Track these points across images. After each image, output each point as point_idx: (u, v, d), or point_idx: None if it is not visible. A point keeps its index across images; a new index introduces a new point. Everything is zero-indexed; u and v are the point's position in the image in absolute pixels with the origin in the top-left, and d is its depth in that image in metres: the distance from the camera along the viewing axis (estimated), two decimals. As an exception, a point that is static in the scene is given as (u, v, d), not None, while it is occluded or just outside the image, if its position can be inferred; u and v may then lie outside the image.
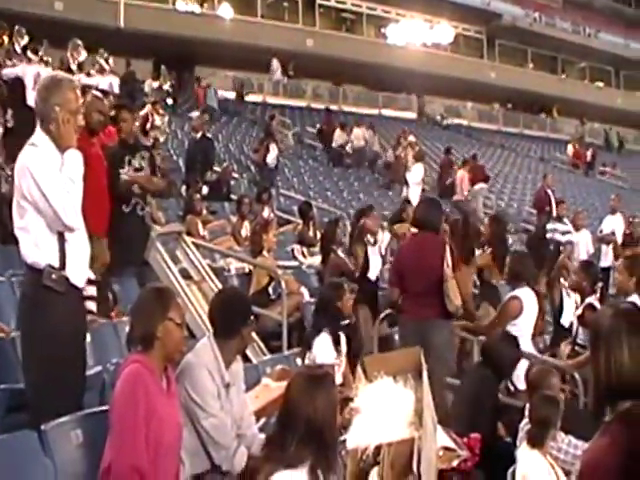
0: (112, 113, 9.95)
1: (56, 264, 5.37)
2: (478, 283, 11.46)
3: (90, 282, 7.15)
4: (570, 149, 41.30)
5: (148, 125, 19.54)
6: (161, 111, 21.56)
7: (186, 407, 5.33)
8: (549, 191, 22.94)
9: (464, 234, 10.99)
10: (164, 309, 4.95)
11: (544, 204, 22.37)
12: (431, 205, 9.33)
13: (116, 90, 19.33)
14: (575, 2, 54.85)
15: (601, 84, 57.31)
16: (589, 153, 40.65)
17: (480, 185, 25.97)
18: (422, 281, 8.47)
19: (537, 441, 6.04)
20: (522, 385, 7.82)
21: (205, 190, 17.54)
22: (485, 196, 26.91)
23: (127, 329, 5.06)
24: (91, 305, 7.50)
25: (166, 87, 29.30)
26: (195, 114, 25.24)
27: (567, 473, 6.12)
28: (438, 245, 8.69)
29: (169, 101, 29.18)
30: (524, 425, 6.39)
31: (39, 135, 5.44)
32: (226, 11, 41.52)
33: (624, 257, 9.76)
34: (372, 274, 11.11)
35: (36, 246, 5.34)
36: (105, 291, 8.37)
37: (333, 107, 39.08)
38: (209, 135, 20.10)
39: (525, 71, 52.75)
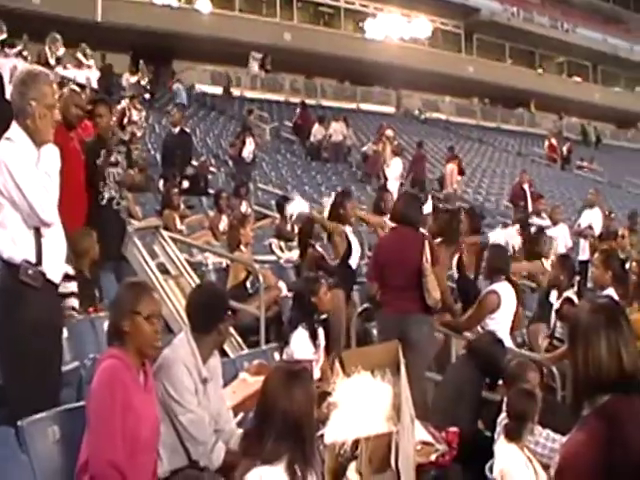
0: (89, 107, 9.91)
1: (32, 259, 5.34)
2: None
3: (70, 278, 7.15)
4: (547, 143, 41.44)
5: (125, 120, 19.48)
6: (138, 106, 21.48)
7: (163, 402, 5.31)
8: (525, 187, 23.08)
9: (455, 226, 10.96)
10: (131, 303, 4.92)
11: (519, 199, 22.53)
12: (411, 200, 9.32)
13: (94, 84, 19.28)
14: (553, -3, 55.18)
15: (579, 79, 57.56)
16: (565, 148, 40.77)
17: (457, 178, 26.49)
18: (401, 275, 8.45)
19: (514, 435, 6.06)
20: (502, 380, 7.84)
21: (186, 184, 17.51)
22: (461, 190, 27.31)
23: (106, 324, 5.05)
24: (73, 302, 7.48)
25: (144, 82, 29.13)
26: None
27: (545, 467, 6.13)
28: (417, 240, 8.65)
29: (146, 96, 29.07)
30: (502, 419, 6.39)
31: (15, 130, 5.40)
32: (204, 5, 41.45)
33: (600, 251, 9.78)
34: (353, 261, 11.02)
35: (12, 241, 5.31)
36: (93, 287, 8.33)
37: (311, 101, 39.11)
38: (187, 129, 20.04)
39: (503, 66, 52.94)
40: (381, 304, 8.82)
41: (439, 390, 8.11)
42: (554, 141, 41.25)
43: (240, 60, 40.13)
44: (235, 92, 39.45)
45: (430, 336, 8.73)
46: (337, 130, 29.56)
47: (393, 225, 9.32)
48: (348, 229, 10.92)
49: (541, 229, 14.89)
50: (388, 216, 10.93)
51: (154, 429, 5.01)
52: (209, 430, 5.50)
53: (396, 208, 9.25)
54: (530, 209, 21.26)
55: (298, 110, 32.50)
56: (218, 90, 38.92)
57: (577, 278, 10.22)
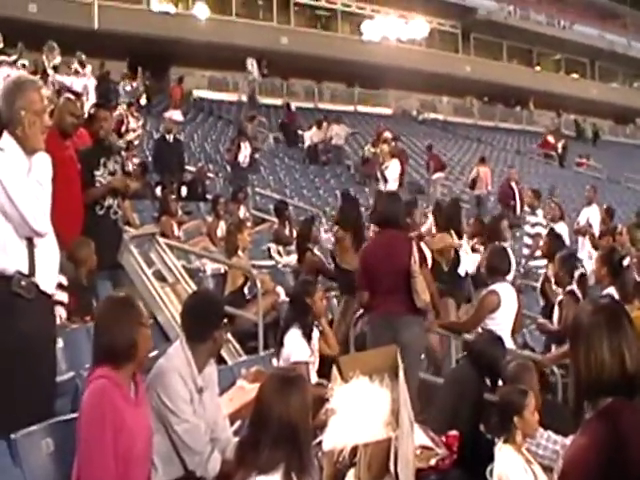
0: (91, 111, 9.92)
1: (25, 270, 5.28)
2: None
3: (61, 287, 7.11)
4: (550, 140, 41.42)
5: (123, 128, 19.51)
6: (135, 113, 21.53)
7: (158, 412, 5.28)
8: (513, 184, 23.08)
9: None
10: (138, 316, 4.90)
11: (509, 198, 22.53)
12: (392, 200, 9.22)
13: (91, 92, 19.28)
14: (549, -6, 55.20)
15: (576, 76, 57.59)
16: (560, 144, 40.77)
17: (438, 174, 27.05)
18: (390, 278, 8.35)
19: (504, 433, 5.99)
20: (501, 381, 7.80)
21: (184, 191, 17.52)
22: (442, 184, 28.09)
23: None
24: (60, 311, 7.43)
25: (140, 88, 29.20)
26: (169, 113, 25.19)
27: (547, 469, 6.09)
28: (404, 241, 8.61)
29: (142, 101, 29.11)
30: (498, 420, 6.36)
31: (6, 139, 5.35)
32: (201, 11, 41.48)
33: (601, 248, 9.78)
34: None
35: (4, 252, 5.25)
36: (89, 295, 8.29)
37: (309, 104, 39.21)
38: (179, 137, 20.08)
39: (500, 64, 52.91)
40: (371, 308, 8.74)
41: (440, 393, 8.07)
42: (551, 138, 41.29)
43: (238, 65, 40.13)
44: (232, 97, 39.49)
45: (421, 337, 8.66)
46: (339, 133, 29.63)
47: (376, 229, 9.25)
48: None
49: None
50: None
51: (147, 441, 4.97)
52: (205, 439, 5.45)
53: (378, 209, 9.16)
54: (519, 208, 21.35)
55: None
56: (216, 95, 38.98)
57: (579, 272, 10.11)
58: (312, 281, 8.48)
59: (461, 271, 10.96)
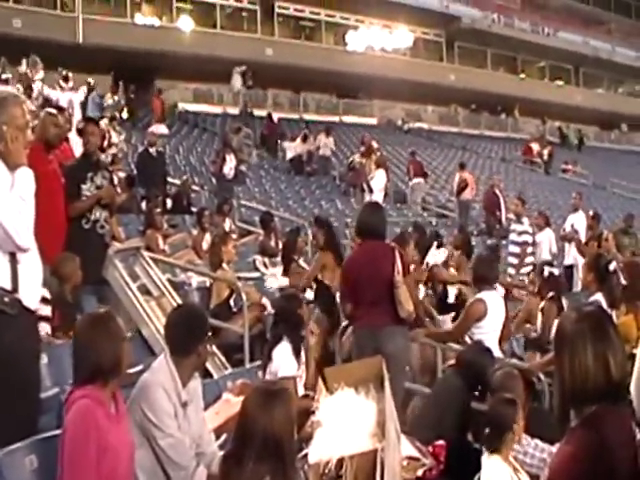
0: (80, 126, 9.94)
1: (8, 286, 5.25)
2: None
3: (45, 301, 7.07)
4: (534, 147, 41.55)
5: (105, 142, 19.48)
6: (117, 128, 21.51)
7: (142, 427, 5.25)
8: (497, 192, 23.08)
9: None
10: (120, 332, 4.90)
11: (494, 207, 22.49)
12: (374, 211, 9.18)
13: (77, 107, 19.28)
14: (533, 2, 55.33)
15: (561, 82, 57.75)
16: (546, 151, 40.90)
17: (418, 180, 27.10)
18: (374, 290, 8.29)
19: (496, 445, 5.97)
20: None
21: (169, 204, 17.50)
22: (425, 191, 28.34)
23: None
24: (45, 326, 7.40)
25: (122, 101, 29.16)
26: (154, 127, 25.19)
27: (534, 477, 6.08)
28: (387, 252, 8.49)
29: (124, 115, 29.10)
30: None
31: (-13, 154, 5.34)
32: (185, 23, 41.49)
33: (588, 254, 9.81)
34: None
35: (-14, 269, 5.24)
36: (74, 311, 8.25)
37: (294, 115, 39.25)
38: (162, 150, 20.09)
39: (485, 72, 53.04)
40: (355, 319, 8.71)
41: (426, 403, 8.06)
42: (535, 145, 41.42)
43: (222, 77, 40.17)
44: (217, 109, 39.54)
45: (405, 347, 8.62)
46: (325, 144, 29.75)
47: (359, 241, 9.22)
48: None
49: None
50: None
51: (130, 458, 4.96)
52: (190, 454, 5.43)
53: (360, 221, 9.12)
54: (504, 216, 21.34)
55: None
56: (201, 108, 39.02)
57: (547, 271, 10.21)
58: (296, 294, 8.45)
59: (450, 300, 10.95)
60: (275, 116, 34.60)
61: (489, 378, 7.47)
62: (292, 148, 30.51)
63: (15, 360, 5.25)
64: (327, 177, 29.40)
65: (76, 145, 12.11)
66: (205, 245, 13.70)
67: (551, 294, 9.81)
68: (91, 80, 25.05)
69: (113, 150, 19.40)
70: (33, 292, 5.45)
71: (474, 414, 7.67)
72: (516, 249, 15.81)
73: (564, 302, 10.03)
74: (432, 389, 8.41)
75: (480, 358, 7.82)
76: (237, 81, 40.52)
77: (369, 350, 7.72)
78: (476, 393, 7.83)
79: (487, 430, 6.16)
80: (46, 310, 7.37)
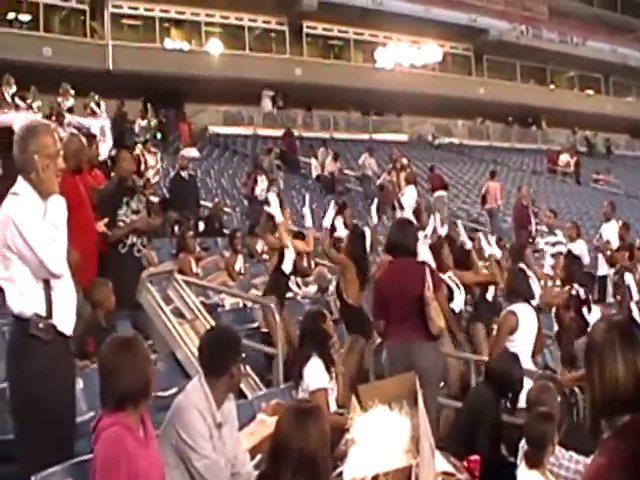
0: (112, 153, 10.04)
1: (43, 313, 5.35)
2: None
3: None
4: (564, 158, 41.40)
5: (142, 166, 19.58)
6: (153, 149, 21.60)
7: (177, 449, 5.30)
8: (525, 203, 22.93)
9: None
10: (147, 355, 5.00)
11: (525, 220, 22.31)
12: (404, 227, 9.18)
13: (108, 133, 19.41)
14: (561, 12, 55.05)
15: (591, 92, 57.41)
16: (572, 161, 40.73)
17: (440, 193, 26.74)
18: (404, 306, 8.29)
19: (534, 461, 5.97)
20: (522, 403, 7.78)
21: (202, 227, 17.56)
22: (447, 204, 27.84)
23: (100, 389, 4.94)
24: None
25: (153, 122, 29.30)
26: (185, 151, 25.31)
27: (569, 489, 6.07)
28: (417, 269, 8.50)
29: (158, 135, 29.25)
30: (523, 444, 6.33)
31: (21, 184, 5.43)
32: (215, 46, 41.62)
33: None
34: None
35: (22, 296, 5.33)
36: (109, 336, 8.29)
37: (325, 135, 39.32)
38: (192, 173, 20.18)
39: (514, 84, 52.80)
40: (387, 336, 8.70)
41: (458, 417, 8.06)
42: (565, 156, 41.29)
43: (252, 98, 40.34)
44: (247, 131, 39.72)
45: (437, 362, 8.60)
46: (369, 164, 30.17)
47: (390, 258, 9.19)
48: None
49: None
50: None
51: (161, 479, 5.01)
52: (225, 475, 5.48)
53: (390, 238, 9.11)
54: (534, 229, 21.18)
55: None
56: (231, 130, 39.12)
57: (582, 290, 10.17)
58: (320, 310, 8.48)
59: (455, 307, 10.83)
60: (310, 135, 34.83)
61: (518, 386, 7.48)
62: (317, 166, 30.77)
63: (51, 385, 5.33)
64: (360, 195, 29.40)
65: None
66: (238, 267, 13.78)
67: (571, 314, 9.79)
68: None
69: (150, 172, 19.50)
70: (67, 318, 5.54)
71: (508, 428, 7.68)
72: (551, 261, 15.75)
73: (593, 315, 9.98)
74: (464, 403, 8.40)
75: (509, 366, 7.83)
76: (267, 102, 40.70)
77: (401, 366, 7.72)
78: (507, 403, 7.85)
79: (525, 446, 6.17)
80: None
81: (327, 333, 8.00)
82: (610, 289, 15.42)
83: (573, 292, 9.81)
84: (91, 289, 8.19)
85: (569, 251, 12.22)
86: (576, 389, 8.53)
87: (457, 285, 10.61)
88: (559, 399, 7.27)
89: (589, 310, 9.96)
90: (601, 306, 9.27)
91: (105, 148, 17.16)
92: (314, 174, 31.21)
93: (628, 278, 9.24)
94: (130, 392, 4.77)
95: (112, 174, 10.93)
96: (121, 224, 9.32)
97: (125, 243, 9.35)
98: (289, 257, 10.94)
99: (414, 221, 12.45)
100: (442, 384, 9.17)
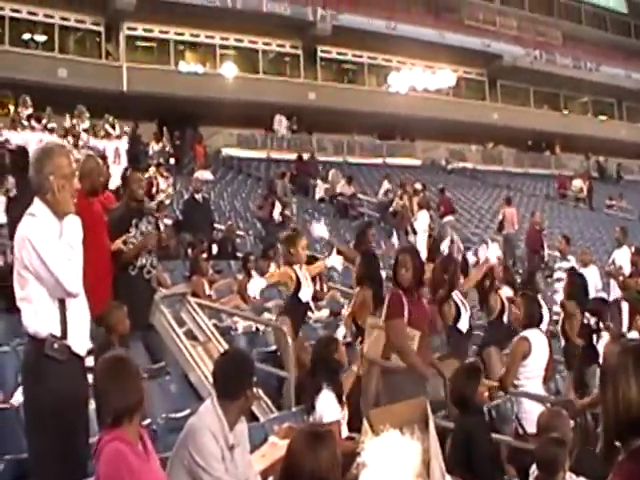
0: (125, 174, 10.06)
1: (58, 333, 5.40)
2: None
3: (89, 352, 7.17)
4: (577, 183, 41.40)
5: (154, 189, 19.64)
6: (165, 174, 21.67)
7: (190, 470, 5.33)
8: (538, 228, 22.96)
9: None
10: (138, 371, 5.05)
11: (537, 245, 22.31)
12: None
13: (123, 155, 19.48)
14: (574, 37, 55.10)
15: (604, 117, 57.39)
16: (585, 186, 40.74)
17: (448, 217, 26.89)
18: None
19: None
20: (531, 428, 7.76)
21: (215, 249, 17.58)
22: (453, 227, 27.83)
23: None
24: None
25: (167, 148, 29.37)
26: (199, 174, 25.36)
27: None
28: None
29: (171, 161, 29.33)
30: (534, 470, 6.33)
31: (37, 204, 5.49)
32: (229, 70, 41.77)
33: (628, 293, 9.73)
34: None
35: (37, 316, 5.37)
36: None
37: (338, 159, 39.39)
38: (206, 195, 20.24)
39: (528, 110, 52.82)
40: None
41: (452, 442, 7.99)
42: (578, 181, 41.34)
43: (266, 122, 40.46)
44: (261, 154, 39.85)
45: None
46: (388, 189, 30.27)
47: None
48: None
49: None
50: None
51: None
52: (237, 497, 5.50)
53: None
54: (547, 254, 21.18)
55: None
56: (245, 153, 39.22)
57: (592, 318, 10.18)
58: (333, 337, 8.51)
59: (462, 327, 10.78)
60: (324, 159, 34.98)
61: (466, 393, 7.47)
62: (322, 188, 31.19)
63: (65, 405, 5.37)
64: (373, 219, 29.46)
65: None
66: (250, 290, 13.80)
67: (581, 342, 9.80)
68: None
69: (161, 196, 19.55)
70: (82, 338, 5.59)
71: (516, 451, 7.67)
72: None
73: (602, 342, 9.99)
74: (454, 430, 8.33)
75: (460, 380, 7.77)
76: (281, 126, 40.80)
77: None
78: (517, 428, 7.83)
79: (536, 471, 6.17)
80: (90, 361, 7.47)
81: (339, 363, 8.04)
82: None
83: (584, 321, 9.78)
84: (105, 313, 8.20)
85: (572, 268, 12.16)
86: (588, 415, 8.51)
87: (464, 304, 10.64)
88: (572, 424, 7.25)
89: (598, 338, 9.97)
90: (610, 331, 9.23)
91: (118, 170, 17.20)
92: (317, 196, 31.35)
93: (624, 306, 9.25)
94: (124, 408, 4.84)
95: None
96: (130, 246, 9.32)
97: (135, 265, 9.34)
98: (307, 289, 10.84)
99: (425, 245, 12.54)
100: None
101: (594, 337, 9.97)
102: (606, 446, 3.35)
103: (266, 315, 12.65)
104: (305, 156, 35.88)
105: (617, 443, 3.30)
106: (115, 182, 14.26)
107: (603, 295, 15.03)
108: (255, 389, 5.92)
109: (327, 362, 7.95)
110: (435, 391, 8.80)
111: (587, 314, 10.13)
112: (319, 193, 31.58)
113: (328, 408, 7.64)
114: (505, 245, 25.62)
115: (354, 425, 7.89)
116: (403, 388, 8.07)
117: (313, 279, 14.18)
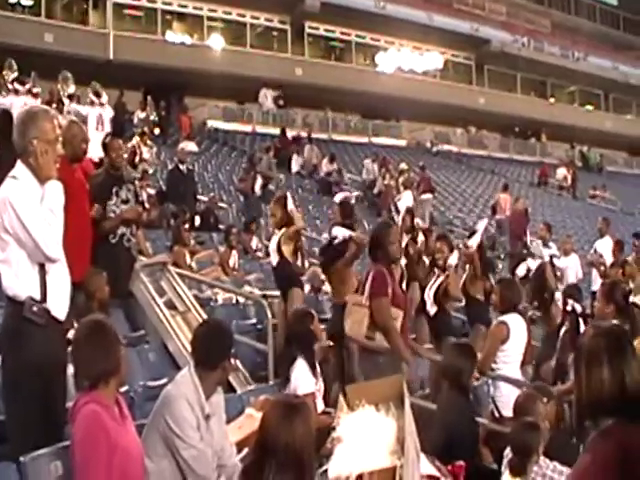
0: (106, 141, 10.00)
1: (37, 296, 5.36)
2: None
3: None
4: (561, 172, 41.51)
5: (137, 158, 19.55)
6: (149, 142, 21.58)
7: (165, 438, 5.33)
8: (521, 214, 23.03)
9: None
10: (116, 335, 5.06)
11: (521, 231, 22.37)
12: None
13: (107, 122, 19.36)
14: (563, 26, 55.22)
15: (590, 107, 57.57)
16: (569, 175, 40.88)
17: (427, 195, 27.05)
18: None
19: (518, 470, 5.99)
20: (508, 412, 7.77)
21: (198, 221, 17.53)
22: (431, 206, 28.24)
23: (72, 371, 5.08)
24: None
25: (152, 117, 29.24)
26: (184, 144, 25.25)
27: (553, 500, 6.08)
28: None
29: (156, 131, 29.20)
30: (508, 452, 6.34)
31: (20, 167, 5.45)
32: (216, 42, 41.65)
33: (602, 283, 9.67)
34: None
35: (17, 278, 5.34)
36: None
37: (323, 136, 39.33)
38: (190, 167, 20.15)
39: (514, 96, 52.91)
40: None
41: (434, 423, 7.98)
42: (562, 170, 41.49)
43: (252, 95, 40.36)
44: (246, 127, 39.80)
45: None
46: (368, 169, 30.35)
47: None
48: None
49: None
50: None
51: (140, 457, 5.09)
52: (212, 466, 5.50)
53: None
54: (529, 240, 21.25)
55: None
56: (230, 126, 39.14)
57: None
58: (308, 311, 8.48)
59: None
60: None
61: (461, 370, 7.44)
62: (297, 162, 31.51)
63: (43, 368, 5.36)
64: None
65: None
66: (232, 262, 13.79)
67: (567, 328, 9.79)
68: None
69: (144, 166, 19.46)
70: (61, 302, 5.56)
71: (492, 434, 7.69)
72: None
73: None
74: (437, 408, 8.31)
75: (456, 359, 7.71)
76: (267, 100, 40.71)
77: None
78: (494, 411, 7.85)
79: (510, 454, 6.19)
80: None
81: (314, 335, 8.04)
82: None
83: (568, 308, 9.77)
84: (85, 279, 8.17)
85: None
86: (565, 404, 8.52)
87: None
88: (550, 409, 7.26)
89: (585, 323, 9.97)
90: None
91: (99, 137, 17.08)
92: (294, 170, 31.39)
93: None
94: (101, 370, 4.88)
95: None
96: (112, 215, 9.28)
97: (115, 233, 9.32)
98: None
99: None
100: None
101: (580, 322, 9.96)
102: (577, 424, 3.46)
103: (247, 288, 12.64)
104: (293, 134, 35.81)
105: (587, 423, 3.36)
106: (95, 148, 14.19)
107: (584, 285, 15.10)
108: (233, 360, 5.92)
109: (302, 334, 7.95)
110: (412, 372, 8.79)
111: (570, 300, 10.10)
112: (295, 168, 31.55)
113: (302, 379, 7.65)
114: (497, 230, 25.80)
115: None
116: (382, 369, 8.08)
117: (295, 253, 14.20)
